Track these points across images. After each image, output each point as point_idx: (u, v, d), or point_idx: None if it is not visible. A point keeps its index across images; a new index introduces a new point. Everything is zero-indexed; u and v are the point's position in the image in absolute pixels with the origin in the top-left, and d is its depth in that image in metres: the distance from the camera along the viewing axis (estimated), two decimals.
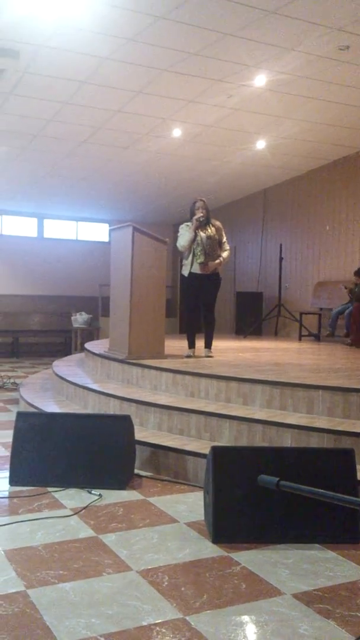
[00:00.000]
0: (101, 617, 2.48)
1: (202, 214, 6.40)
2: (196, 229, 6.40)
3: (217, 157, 9.92)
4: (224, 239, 6.60)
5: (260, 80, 6.95)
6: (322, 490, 1.19)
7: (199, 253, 6.39)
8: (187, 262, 6.50)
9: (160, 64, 6.53)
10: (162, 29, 5.77)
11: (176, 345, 7.27)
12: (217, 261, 6.46)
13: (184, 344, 6.84)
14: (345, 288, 9.10)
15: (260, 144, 9.26)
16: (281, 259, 10.50)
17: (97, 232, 14.55)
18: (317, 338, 9.91)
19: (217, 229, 6.52)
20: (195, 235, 6.39)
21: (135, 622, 2.44)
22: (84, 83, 6.95)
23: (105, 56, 6.30)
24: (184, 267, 6.55)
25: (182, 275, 6.63)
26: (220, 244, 6.53)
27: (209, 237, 6.41)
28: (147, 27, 5.73)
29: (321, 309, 10.13)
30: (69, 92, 7.21)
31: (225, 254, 6.55)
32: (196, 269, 6.43)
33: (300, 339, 9.90)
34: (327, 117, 8.22)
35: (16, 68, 6.45)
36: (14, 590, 2.69)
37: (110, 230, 6.91)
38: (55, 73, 6.67)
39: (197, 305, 6.65)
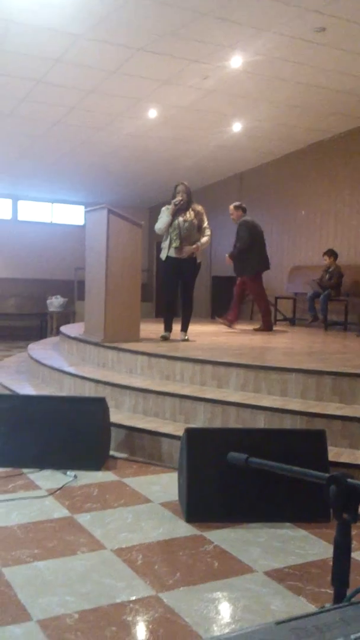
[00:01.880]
0: (75, 595, 2.50)
1: (180, 198, 6.39)
2: (174, 212, 6.38)
3: (193, 140, 9.88)
4: (205, 224, 6.57)
5: (236, 61, 6.91)
6: (288, 466, 1.21)
7: (174, 237, 6.38)
8: (164, 246, 6.49)
9: (135, 43, 6.46)
10: (137, 7, 5.71)
11: (152, 329, 7.28)
12: (194, 246, 6.45)
13: (159, 327, 6.85)
14: (317, 282, 9.10)
15: (237, 127, 9.23)
16: None
17: (73, 214, 14.43)
18: (292, 322, 9.98)
19: (197, 214, 6.50)
20: (173, 219, 6.38)
21: (109, 600, 2.47)
22: (57, 61, 6.85)
23: (79, 34, 6.21)
24: (162, 251, 6.54)
25: (160, 259, 6.63)
26: (199, 228, 6.52)
27: (186, 222, 6.40)
28: (122, 5, 5.66)
29: (296, 293, 10.19)
30: (42, 71, 7.10)
31: (204, 239, 6.53)
32: (172, 253, 6.43)
33: (275, 323, 9.96)
34: (302, 101, 8.22)
35: None
36: None
37: (86, 213, 6.87)
38: (27, 51, 6.56)
39: (174, 289, 6.65)
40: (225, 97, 8.06)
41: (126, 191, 13.11)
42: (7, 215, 13.83)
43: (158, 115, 8.66)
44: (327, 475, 1.12)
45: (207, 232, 6.58)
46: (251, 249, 8.05)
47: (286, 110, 8.59)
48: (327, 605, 0.83)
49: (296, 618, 0.76)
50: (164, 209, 6.51)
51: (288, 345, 6.85)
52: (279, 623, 0.75)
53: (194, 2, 5.63)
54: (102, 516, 3.37)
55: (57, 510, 3.44)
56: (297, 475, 1.20)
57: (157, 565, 2.80)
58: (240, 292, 8.52)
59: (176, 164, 10.93)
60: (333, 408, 4.26)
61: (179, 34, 6.24)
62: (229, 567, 2.79)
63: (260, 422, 4.33)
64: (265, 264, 8.25)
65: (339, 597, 1.09)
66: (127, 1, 5.58)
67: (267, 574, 2.73)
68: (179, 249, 6.39)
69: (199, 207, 6.57)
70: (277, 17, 5.92)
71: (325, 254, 9.13)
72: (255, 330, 8.39)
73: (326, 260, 9.06)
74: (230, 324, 8.51)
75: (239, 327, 8.73)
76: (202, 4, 5.66)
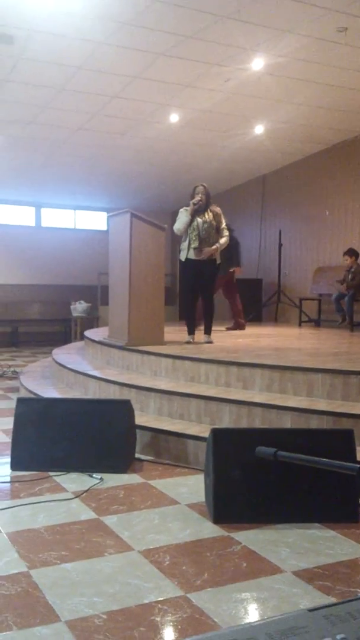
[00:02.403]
0: (103, 596, 2.49)
1: (199, 198, 6.39)
2: (193, 213, 6.39)
3: (214, 143, 9.88)
4: (223, 225, 6.58)
5: (257, 63, 6.90)
6: (318, 458, 1.19)
7: (194, 238, 6.39)
8: (183, 247, 6.50)
9: (156, 48, 6.48)
10: (157, 12, 5.73)
11: (176, 332, 7.28)
12: (213, 247, 6.46)
13: (183, 331, 6.85)
14: (340, 282, 9.04)
15: (259, 129, 9.21)
16: (280, 245, 10.49)
17: (96, 220, 14.51)
18: (317, 324, 9.91)
19: (216, 215, 6.51)
20: (192, 219, 6.38)
21: (137, 600, 2.46)
22: (79, 69, 6.91)
23: (100, 41, 6.26)
24: (181, 252, 6.55)
25: (179, 260, 6.63)
26: (218, 230, 6.52)
27: (205, 222, 6.40)
28: (142, 11, 5.69)
29: (321, 294, 10.12)
30: (64, 78, 7.17)
31: (222, 240, 6.54)
32: (192, 255, 6.43)
33: (300, 325, 9.91)
34: (325, 101, 8.18)
35: (10, 54, 6.41)
36: (16, 571, 2.71)
37: (108, 217, 6.90)
38: (49, 58, 6.63)
39: (195, 290, 6.65)
40: (247, 100, 8.05)
41: (148, 196, 13.15)
42: (31, 221, 13.95)
43: (180, 119, 8.68)
44: (358, 466, 1.10)
45: (225, 232, 6.58)
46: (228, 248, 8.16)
47: (309, 111, 8.55)
48: None
49: (328, 605, 0.75)
50: (182, 210, 6.52)
51: (314, 346, 6.79)
52: (311, 610, 0.73)
53: (214, 5, 5.64)
54: (128, 518, 3.37)
55: (84, 513, 3.44)
56: (327, 466, 1.18)
57: (185, 566, 2.78)
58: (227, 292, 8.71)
59: (198, 168, 10.94)
60: None
61: (200, 37, 6.25)
62: (257, 568, 2.76)
63: (287, 422, 4.29)
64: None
65: None
66: (147, 7, 5.61)
67: (296, 574, 2.70)
68: (198, 249, 6.39)
69: (217, 209, 6.58)
70: (298, 18, 5.90)
71: (345, 253, 9.05)
72: (228, 329, 8.52)
73: (347, 261, 8.98)
74: (241, 327, 8.60)
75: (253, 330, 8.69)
76: (222, 6, 5.66)
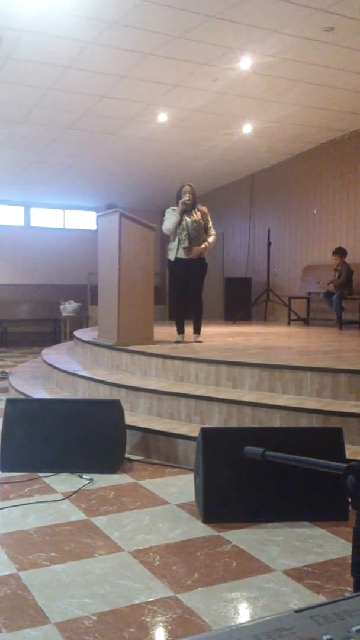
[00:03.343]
0: (93, 597, 2.49)
1: (187, 198, 6.40)
2: (182, 212, 6.39)
3: (203, 142, 9.88)
4: (210, 224, 6.60)
5: (245, 63, 6.91)
6: (306, 458, 1.20)
7: (183, 238, 6.40)
8: (172, 247, 6.50)
9: (144, 47, 6.48)
10: (145, 12, 5.72)
11: (165, 331, 7.27)
12: (203, 246, 6.47)
13: (173, 330, 6.85)
14: (329, 284, 9.05)
15: (247, 128, 9.23)
16: (269, 244, 10.51)
17: (85, 220, 14.48)
18: (306, 322, 9.94)
19: (203, 214, 6.52)
20: (181, 219, 6.39)
21: (127, 601, 2.46)
22: (67, 68, 6.89)
23: (88, 40, 6.24)
24: (169, 252, 6.55)
25: (168, 260, 6.63)
26: (206, 229, 6.54)
27: (194, 222, 6.41)
28: (130, 10, 5.68)
29: (309, 293, 10.15)
30: (52, 78, 7.15)
31: (210, 239, 6.56)
32: (181, 254, 6.44)
33: (289, 323, 9.93)
34: (313, 100, 8.20)
35: None
36: (6, 573, 2.70)
37: (98, 217, 6.89)
38: (38, 58, 6.61)
39: (185, 290, 6.65)
40: (235, 99, 8.06)
41: (137, 195, 13.14)
42: (20, 221, 13.90)
43: (168, 118, 8.67)
44: (344, 465, 1.10)
45: (212, 231, 6.60)
46: None
47: (297, 111, 8.57)
48: (347, 594, 0.82)
49: (316, 606, 0.75)
50: (169, 209, 6.52)
51: (303, 344, 6.81)
52: (298, 611, 0.74)
53: (202, 5, 5.64)
54: (118, 518, 3.36)
55: (74, 514, 3.44)
56: (315, 466, 1.18)
57: (175, 566, 2.78)
58: None
59: (187, 167, 10.94)
60: (349, 406, 4.23)
61: (188, 37, 6.25)
62: (247, 567, 2.77)
63: (276, 421, 4.30)
64: None
65: (359, 585, 1.08)
66: (136, 6, 5.60)
67: (286, 573, 2.71)
68: (188, 249, 6.40)
69: (204, 208, 6.60)
70: (285, 18, 5.92)
71: (333, 254, 9.10)
72: None
73: (337, 260, 9.03)
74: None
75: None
76: (210, 6, 5.67)
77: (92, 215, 14.27)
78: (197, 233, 6.43)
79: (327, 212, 10.25)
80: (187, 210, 6.41)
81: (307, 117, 8.91)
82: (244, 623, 0.70)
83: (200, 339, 6.65)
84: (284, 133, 9.58)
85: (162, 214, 6.73)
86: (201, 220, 6.47)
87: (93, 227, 14.11)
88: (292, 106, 8.38)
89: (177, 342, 6.55)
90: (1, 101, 7.79)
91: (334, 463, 1.13)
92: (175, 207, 6.45)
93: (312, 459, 1.20)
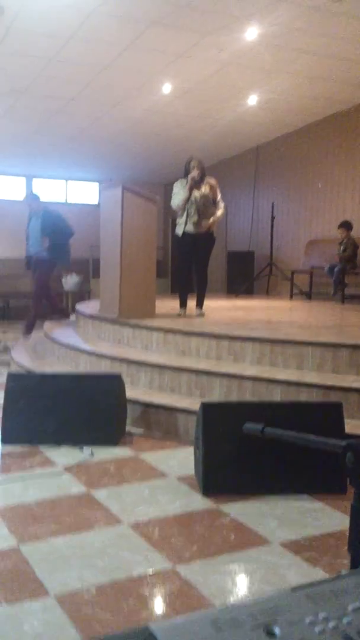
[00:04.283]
0: (92, 569, 2.51)
1: (197, 173, 6.32)
2: (191, 188, 6.31)
3: (208, 114, 9.75)
4: (219, 197, 6.52)
5: (251, 33, 6.77)
6: (305, 435, 1.19)
7: (192, 212, 6.33)
8: (180, 222, 6.43)
9: (148, 16, 6.35)
10: None
11: (167, 305, 7.25)
12: (211, 220, 6.40)
13: (175, 304, 6.83)
14: (336, 256, 9.00)
15: (252, 100, 9.09)
16: (273, 217, 10.43)
17: (88, 191, 14.36)
18: (308, 296, 9.91)
19: (211, 187, 6.44)
20: (190, 194, 6.31)
21: (126, 573, 2.48)
22: (70, 38, 6.76)
23: (91, 9, 6.12)
24: (177, 227, 6.48)
25: (175, 235, 6.57)
26: (214, 202, 6.46)
27: (203, 196, 6.34)
28: None
29: (313, 267, 10.09)
30: (55, 48, 7.02)
31: (219, 212, 6.48)
32: (190, 229, 6.37)
33: (291, 298, 9.90)
34: (320, 72, 8.06)
35: (1, 24, 6.27)
36: (6, 546, 2.72)
37: (100, 190, 6.82)
38: (40, 29, 6.49)
39: (190, 265, 6.61)
40: (241, 70, 7.92)
41: (141, 167, 13.01)
42: (22, 194, 13.79)
43: (173, 89, 8.54)
44: (343, 443, 1.09)
45: (221, 204, 6.52)
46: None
47: (303, 82, 8.43)
48: (344, 572, 0.81)
49: (312, 584, 0.75)
50: (177, 183, 6.44)
51: (304, 319, 6.80)
52: (294, 589, 0.73)
53: None
54: (118, 491, 3.38)
55: (74, 486, 3.46)
56: (313, 444, 1.18)
57: (174, 538, 2.80)
58: None
59: (192, 139, 10.81)
60: (350, 381, 4.23)
61: (193, 6, 6.12)
62: (245, 540, 2.79)
63: (277, 395, 4.31)
64: None
65: (356, 563, 1.07)
66: None
67: (284, 545, 2.73)
68: (197, 224, 6.34)
69: (213, 181, 6.51)
70: None
71: (339, 227, 9.03)
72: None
73: (341, 234, 8.96)
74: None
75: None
76: None
77: (95, 187, 14.16)
78: (206, 207, 6.36)
79: (332, 186, 10.15)
80: (195, 184, 6.33)
81: (313, 89, 8.77)
82: (240, 602, 0.69)
83: (202, 312, 6.63)
84: (290, 105, 9.44)
85: (166, 186, 6.67)
86: (209, 194, 6.39)
87: (95, 201, 14.02)
88: (298, 77, 8.24)
89: (179, 315, 6.53)
90: (4, 72, 7.67)
91: (333, 441, 1.13)
92: (183, 180, 6.37)
93: (311, 437, 1.20)
